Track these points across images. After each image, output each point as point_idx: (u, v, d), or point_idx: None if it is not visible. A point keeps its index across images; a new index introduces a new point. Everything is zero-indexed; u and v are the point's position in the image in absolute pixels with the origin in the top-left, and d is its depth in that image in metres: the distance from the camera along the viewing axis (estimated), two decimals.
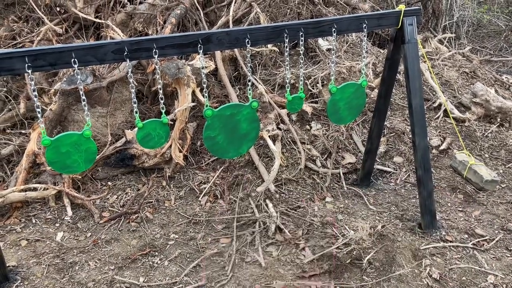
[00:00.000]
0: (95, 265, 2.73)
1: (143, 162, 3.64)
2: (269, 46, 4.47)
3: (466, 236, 2.93)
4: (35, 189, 3.27)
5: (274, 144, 3.54)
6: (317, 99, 4.20)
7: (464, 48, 6.18)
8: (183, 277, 2.62)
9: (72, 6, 4.29)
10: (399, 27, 2.69)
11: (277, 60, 4.64)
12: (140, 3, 4.56)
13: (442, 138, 4.06)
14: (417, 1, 6.77)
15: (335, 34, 2.49)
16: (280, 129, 3.80)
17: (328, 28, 2.47)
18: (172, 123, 3.74)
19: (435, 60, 5.18)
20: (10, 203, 3.17)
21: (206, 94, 2.33)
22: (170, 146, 3.67)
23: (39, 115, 1.96)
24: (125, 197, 3.41)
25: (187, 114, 3.82)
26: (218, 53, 4.27)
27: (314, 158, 3.68)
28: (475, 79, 5.01)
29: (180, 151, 3.73)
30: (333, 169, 3.63)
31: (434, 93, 4.57)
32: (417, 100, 2.79)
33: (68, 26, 4.35)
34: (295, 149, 3.67)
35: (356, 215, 3.13)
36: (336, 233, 2.90)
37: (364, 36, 2.66)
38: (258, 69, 4.52)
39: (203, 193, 3.47)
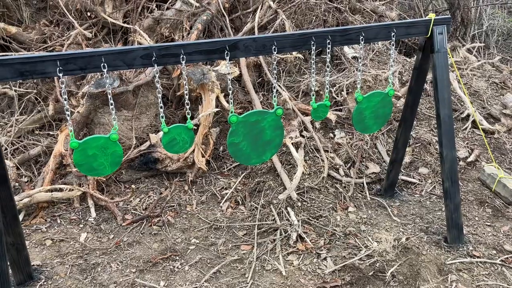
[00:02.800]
0: (117, 267, 2.76)
1: (166, 166, 3.67)
2: (294, 53, 4.46)
3: (494, 252, 2.83)
4: (61, 190, 3.34)
5: (297, 152, 3.51)
6: (341, 107, 4.15)
7: (494, 58, 6.02)
8: (203, 283, 2.62)
9: (101, 11, 4.38)
10: (428, 36, 2.64)
11: (301, 67, 4.62)
12: (167, 9, 4.62)
13: (470, 150, 3.95)
14: (446, 10, 6.65)
15: (362, 42, 2.46)
16: (303, 136, 3.78)
17: (356, 36, 2.45)
18: (196, 128, 3.77)
19: (463, 69, 5.07)
20: (36, 202, 3.24)
21: (231, 100, 2.33)
22: (193, 151, 3.69)
23: (68, 118, 2.00)
24: (147, 200, 3.44)
25: (210, 119, 3.84)
26: (242, 59, 4.28)
27: (337, 166, 3.63)
28: (505, 90, 4.87)
29: (203, 156, 3.75)
30: (356, 178, 3.57)
31: (462, 103, 4.46)
32: (445, 110, 2.73)
33: (97, 31, 4.44)
34: (318, 157, 3.63)
35: (380, 226, 3.07)
36: (359, 244, 2.85)
37: (392, 45, 2.61)
38: (282, 75, 4.51)
39: (224, 199, 3.47)
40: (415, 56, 2.94)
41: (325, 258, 2.78)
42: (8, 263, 2.45)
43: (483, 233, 3.02)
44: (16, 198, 3.01)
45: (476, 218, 3.20)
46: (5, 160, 2.40)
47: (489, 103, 4.59)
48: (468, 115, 4.30)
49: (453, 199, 2.80)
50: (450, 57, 2.79)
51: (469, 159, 3.83)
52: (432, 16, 2.60)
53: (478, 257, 2.76)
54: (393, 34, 2.53)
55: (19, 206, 3.12)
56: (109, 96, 2.07)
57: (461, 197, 3.28)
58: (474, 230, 3.05)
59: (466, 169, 3.78)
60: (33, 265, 2.72)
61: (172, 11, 4.54)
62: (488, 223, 3.14)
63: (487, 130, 4.15)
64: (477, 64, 5.26)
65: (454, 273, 2.61)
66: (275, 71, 2.38)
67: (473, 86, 4.79)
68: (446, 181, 2.80)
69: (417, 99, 3.02)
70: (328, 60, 2.46)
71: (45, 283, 2.62)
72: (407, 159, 3.73)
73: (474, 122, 4.23)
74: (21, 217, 3.19)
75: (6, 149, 3.62)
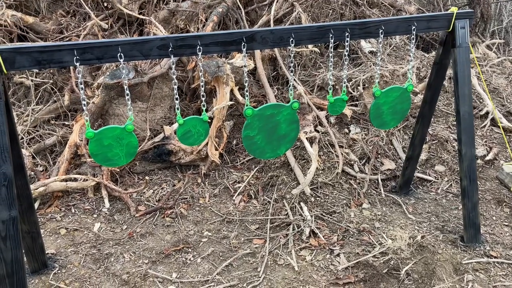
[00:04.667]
0: (129, 257, 2.77)
1: (179, 158, 3.66)
2: (310, 46, 4.41)
3: None
4: (75, 180, 3.36)
5: (311, 146, 3.48)
6: (357, 102, 4.10)
7: None
8: (215, 276, 2.61)
9: (117, 2, 4.38)
10: (450, 30, 2.57)
11: (316, 61, 4.57)
12: (183, 0, 4.60)
13: (488, 148, 3.87)
14: (465, 5, 6.52)
15: (382, 36, 2.41)
16: (318, 131, 3.74)
17: (375, 30, 2.40)
18: (210, 121, 3.75)
19: (483, 66, 4.96)
20: (51, 192, 3.27)
21: (247, 94, 2.30)
22: (207, 143, 3.68)
23: (84, 108, 1.99)
24: (161, 192, 3.45)
25: (224, 113, 3.82)
26: (257, 52, 4.25)
27: (352, 162, 3.59)
28: None
29: (216, 149, 3.74)
30: (371, 174, 3.53)
31: (481, 100, 4.37)
32: (465, 107, 2.66)
33: (113, 22, 4.44)
34: (333, 153, 3.59)
35: (394, 223, 3.03)
36: (373, 241, 2.81)
37: (412, 39, 2.56)
38: (298, 69, 4.47)
39: (237, 192, 3.45)
40: (433, 51, 2.87)
41: (338, 255, 2.76)
42: (23, 251, 2.47)
43: (500, 233, 2.96)
44: (31, 186, 3.04)
45: (494, 218, 3.14)
46: (22, 149, 2.41)
47: (508, 100, 4.49)
48: (487, 113, 4.21)
49: (471, 198, 2.74)
50: (471, 53, 2.73)
51: (487, 158, 3.75)
52: (454, 9, 2.53)
53: (495, 257, 2.71)
54: (413, 28, 2.47)
55: (35, 194, 3.15)
56: (125, 87, 2.06)
57: (478, 196, 3.22)
58: (491, 230, 2.99)
59: (484, 168, 3.70)
60: (48, 253, 2.75)
61: (188, 2, 4.52)
62: (506, 223, 3.08)
63: (506, 128, 4.06)
64: (496, 61, 5.15)
65: (470, 273, 2.56)
66: (291, 65, 2.34)
67: (492, 83, 4.69)
68: (464, 179, 2.74)
69: (436, 95, 2.96)
70: (346, 54, 2.41)
71: (59, 271, 2.64)
72: (423, 156, 3.67)
73: (493, 119, 4.14)
74: (36, 205, 3.22)
75: (22, 138, 3.66)
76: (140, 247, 2.87)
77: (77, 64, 1.90)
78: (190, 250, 2.85)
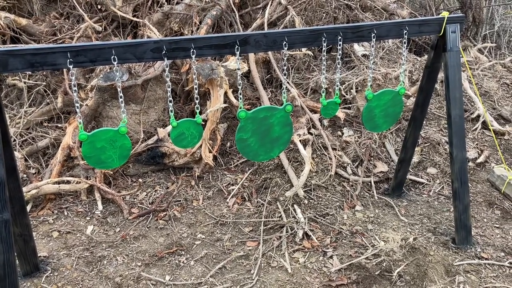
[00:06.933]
0: (123, 260, 2.76)
1: (173, 161, 3.66)
2: (303, 49, 4.43)
3: (503, 254, 2.80)
4: (68, 182, 3.35)
5: (305, 149, 3.49)
6: (350, 105, 4.13)
7: (505, 59, 5.96)
8: (208, 278, 2.62)
9: (111, 4, 4.38)
10: (441, 34, 2.60)
11: (310, 64, 4.60)
12: (177, 3, 4.61)
13: (479, 151, 3.91)
14: (457, 9, 6.58)
15: (374, 40, 2.43)
16: (311, 134, 3.75)
17: (368, 33, 2.42)
18: (204, 123, 3.76)
19: (474, 69, 5.02)
20: (44, 194, 3.26)
21: (241, 96, 2.31)
22: (200, 146, 3.69)
23: (77, 110, 1.99)
24: (154, 195, 3.45)
25: (218, 115, 3.83)
26: (251, 55, 4.26)
27: (345, 165, 3.61)
28: None
29: (210, 152, 3.74)
30: (364, 177, 3.55)
31: (472, 103, 4.42)
32: (456, 110, 2.70)
33: (106, 24, 4.44)
34: (326, 155, 3.61)
35: (387, 225, 3.05)
36: (365, 243, 2.83)
37: (404, 42, 2.59)
38: (291, 72, 4.49)
39: (231, 195, 3.46)
40: (426, 55, 2.91)
41: (331, 257, 2.77)
42: (15, 254, 2.46)
43: (491, 235, 2.99)
44: (24, 189, 3.03)
45: (485, 220, 3.17)
46: (14, 152, 2.40)
47: (499, 104, 4.54)
48: (478, 116, 4.26)
49: (462, 200, 2.77)
50: (462, 57, 2.76)
51: (478, 160, 3.79)
52: (445, 14, 2.57)
53: (486, 259, 2.74)
54: (405, 32, 2.50)
55: (27, 197, 3.13)
56: (119, 89, 2.06)
57: (470, 198, 3.25)
58: (483, 232, 3.02)
59: (475, 170, 3.74)
60: (40, 256, 2.73)
61: (182, 5, 4.53)
62: (497, 225, 3.11)
63: (497, 131, 4.11)
64: (488, 65, 5.21)
65: (461, 274, 2.59)
66: (285, 68, 2.36)
67: (483, 86, 4.74)
68: (455, 181, 2.77)
69: (427, 98, 2.98)
70: (339, 57, 2.43)
71: (51, 274, 2.63)
72: (415, 158, 3.70)
73: (484, 122, 4.18)
74: (28, 208, 3.20)
75: (14, 140, 3.64)
76: (133, 249, 2.87)
77: (71, 66, 1.90)
78: (183, 252, 2.85)
